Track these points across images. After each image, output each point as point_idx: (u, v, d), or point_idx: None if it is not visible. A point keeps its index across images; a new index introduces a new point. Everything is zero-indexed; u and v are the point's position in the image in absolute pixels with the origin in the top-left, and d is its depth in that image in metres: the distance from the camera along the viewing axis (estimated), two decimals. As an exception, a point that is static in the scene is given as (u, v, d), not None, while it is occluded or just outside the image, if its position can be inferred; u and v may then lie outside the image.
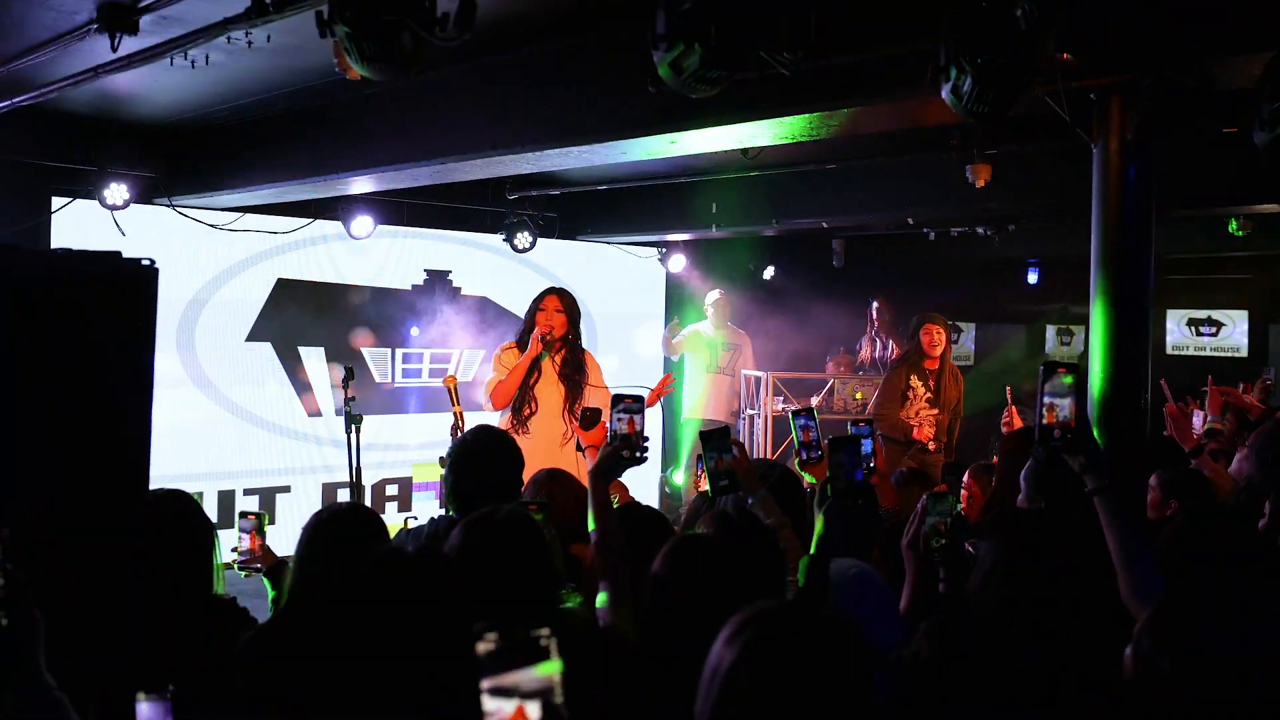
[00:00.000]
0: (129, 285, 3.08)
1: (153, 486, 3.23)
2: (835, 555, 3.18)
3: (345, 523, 3.30)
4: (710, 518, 3.16)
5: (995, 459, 5.14)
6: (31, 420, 2.90)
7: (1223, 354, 12.74)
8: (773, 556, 2.97)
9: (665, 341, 10.52)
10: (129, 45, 4.78)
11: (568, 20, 4.98)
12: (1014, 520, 2.99)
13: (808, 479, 3.79)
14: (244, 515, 4.11)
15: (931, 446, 7.96)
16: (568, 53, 5.23)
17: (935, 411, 8.01)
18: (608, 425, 3.34)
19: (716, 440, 3.47)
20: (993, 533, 2.88)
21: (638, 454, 3.27)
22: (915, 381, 8.11)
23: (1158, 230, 4.23)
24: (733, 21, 3.29)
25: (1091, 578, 2.73)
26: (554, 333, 6.26)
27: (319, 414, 9.09)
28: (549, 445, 6.12)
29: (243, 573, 4.06)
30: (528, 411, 6.26)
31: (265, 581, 4.04)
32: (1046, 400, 2.74)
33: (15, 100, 6.11)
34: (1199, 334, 12.98)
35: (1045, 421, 2.75)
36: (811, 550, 3.22)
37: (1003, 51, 3.27)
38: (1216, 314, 12.86)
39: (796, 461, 3.91)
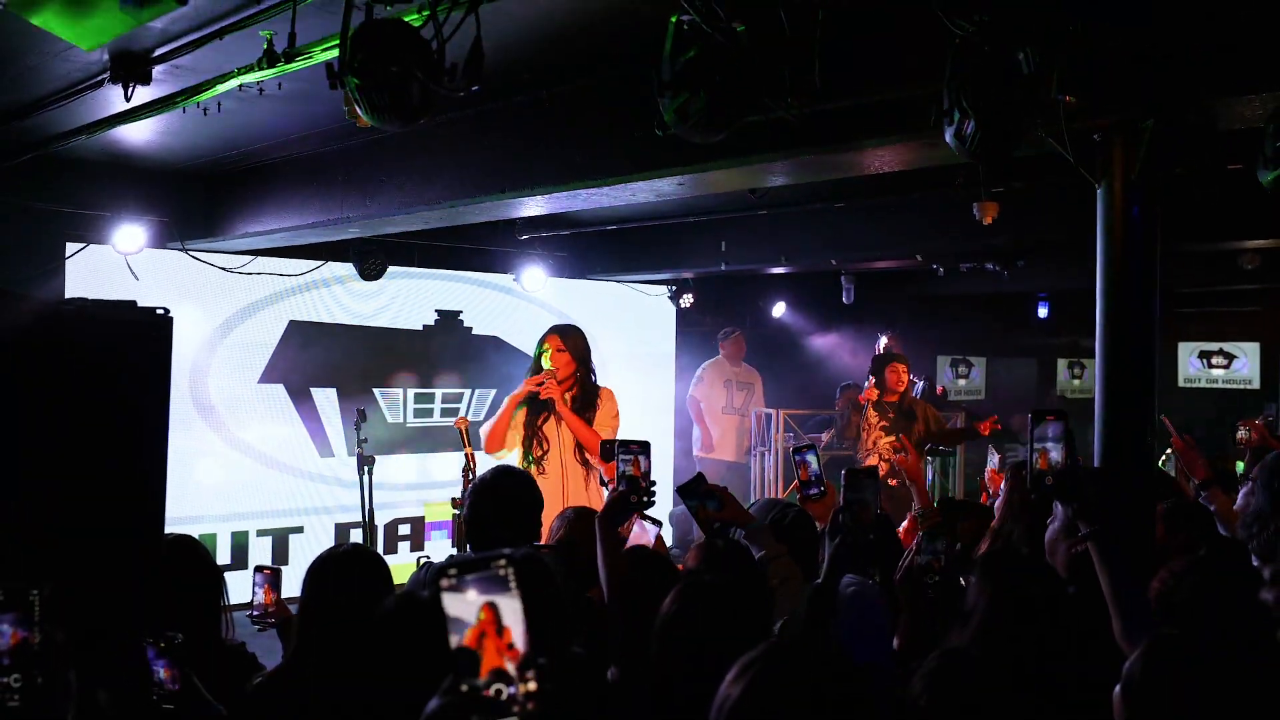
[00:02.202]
0: (144, 334, 3.12)
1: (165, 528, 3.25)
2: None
3: (348, 565, 3.28)
4: (696, 549, 3.20)
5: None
6: (48, 468, 2.92)
7: (1234, 386, 12.72)
8: (757, 584, 3.00)
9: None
10: (142, 95, 4.84)
11: (574, 64, 5.02)
12: (997, 561, 3.00)
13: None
14: (259, 570, 4.05)
15: (892, 483, 7.89)
16: (575, 96, 5.27)
17: (891, 439, 8.26)
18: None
19: (692, 490, 3.46)
20: (977, 574, 2.90)
21: (644, 498, 3.27)
22: (871, 412, 8.59)
23: (1167, 264, 4.24)
24: (737, 68, 3.31)
25: (1082, 618, 2.74)
26: (558, 373, 6.14)
27: (332, 455, 9.11)
28: (561, 485, 6.00)
29: (256, 626, 4.02)
30: (538, 452, 6.09)
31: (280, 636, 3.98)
32: (1038, 446, 2.80)
33: (30, 150, 6.19)
34: (1211, 366, 12.96)
35: (1038, 468, 2.80)
36: (821, 578, 3.23)
37: (1005, 95, 3.30)
38: (1228, 346, 12.85)
39: (799, 498, 3.91)
